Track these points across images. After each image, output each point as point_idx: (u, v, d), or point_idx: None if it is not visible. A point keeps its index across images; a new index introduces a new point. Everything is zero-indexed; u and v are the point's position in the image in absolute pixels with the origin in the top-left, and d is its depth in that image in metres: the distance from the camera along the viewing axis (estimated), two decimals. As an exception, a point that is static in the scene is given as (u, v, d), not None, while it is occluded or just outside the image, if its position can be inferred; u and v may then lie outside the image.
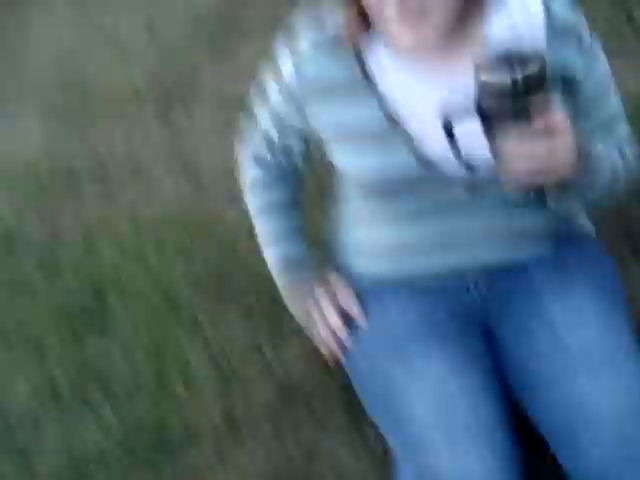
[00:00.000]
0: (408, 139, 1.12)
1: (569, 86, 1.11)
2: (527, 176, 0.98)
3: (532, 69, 0.94)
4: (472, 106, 0.99)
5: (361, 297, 1.26)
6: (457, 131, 1.08)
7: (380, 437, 1.29)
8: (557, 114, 0.97)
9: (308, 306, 1.29)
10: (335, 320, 1.25)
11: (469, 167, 1.10)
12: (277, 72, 1.21)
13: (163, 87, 2.51)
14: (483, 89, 0.97)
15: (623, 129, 1.22)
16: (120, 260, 1.98)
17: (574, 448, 1.08)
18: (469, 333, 1.21)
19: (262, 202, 1.35)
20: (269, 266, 1.36)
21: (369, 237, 1.27)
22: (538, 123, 0.95)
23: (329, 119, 1.17)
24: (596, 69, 1.14)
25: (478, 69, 0.97)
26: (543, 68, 0.95)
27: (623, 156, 1.19)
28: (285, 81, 1.19)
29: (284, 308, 1.39)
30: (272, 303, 1.57)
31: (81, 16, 3.02)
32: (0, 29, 3.08)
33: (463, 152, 1.09)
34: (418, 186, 1.14)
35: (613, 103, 1.20)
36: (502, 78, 0.94)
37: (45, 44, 2.92)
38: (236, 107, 1.64)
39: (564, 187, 1.06)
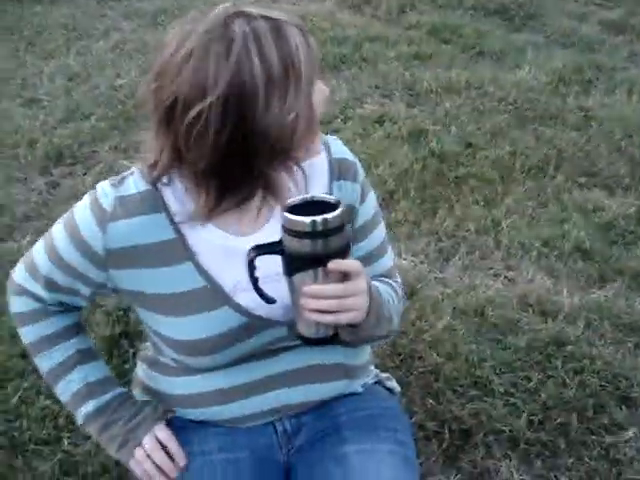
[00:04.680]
0: (224, 294, 1.16)
1: (351, 215, 1.22)
2: (317, 315, 1.05)
3: (332, 214, 1.03)
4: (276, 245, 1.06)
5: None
6: (261, 269, 1.09)
7: None
8: (353, 260, 1.07)
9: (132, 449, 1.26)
10: (160, 456, 1.25)
11: (269, 301, 1.12)
12: (74, 226, 1.16)
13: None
14: (286, 229, 1.04)
15: (388, 260, 1.34)
16: None
17: None
18: (267, 470, 1.26)
19: (45, 332, 1.27)
20: (65, 401, 1.28)
21: (182, 386, 1.27)
22: (333, 265, 1.03)
23: (139, 282, 1.17)
24: (367, 200, 1.29)
25: (282, 212, 1.05)
26: (342, 214, 1.04)
27: (397, 297, 1.31)
28: (85, 239, 1.15)
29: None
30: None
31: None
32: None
33: (266, 289, 1.11)
34: (239, 337, 1.18)
35: (380, 234, 1.32)
36: (302, 219, 1.02)
37: None
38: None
39: (355, 329, 1.14)
